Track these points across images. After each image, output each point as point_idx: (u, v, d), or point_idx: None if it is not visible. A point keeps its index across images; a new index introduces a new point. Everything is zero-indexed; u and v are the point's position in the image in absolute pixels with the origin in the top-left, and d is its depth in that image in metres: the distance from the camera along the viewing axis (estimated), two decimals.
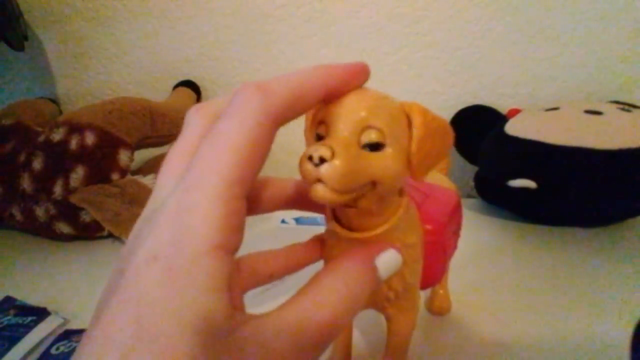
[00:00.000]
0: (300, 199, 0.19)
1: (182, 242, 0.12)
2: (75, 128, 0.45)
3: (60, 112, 0.67)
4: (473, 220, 0.50)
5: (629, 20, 0.54)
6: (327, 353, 0.25)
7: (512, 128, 0.48)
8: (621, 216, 0.45)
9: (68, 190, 0.43)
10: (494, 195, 0.50)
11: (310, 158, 0.14)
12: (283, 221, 0.49)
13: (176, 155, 0.15)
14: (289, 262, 0.19)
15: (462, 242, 0.44)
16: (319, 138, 0.16)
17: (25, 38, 0.59)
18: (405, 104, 0.16)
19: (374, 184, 0.15)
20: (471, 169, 0.53)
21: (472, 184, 0.51)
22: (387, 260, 0.17)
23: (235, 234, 0.13)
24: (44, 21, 0.64)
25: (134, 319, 0.11)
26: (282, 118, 0.14)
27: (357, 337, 0.30)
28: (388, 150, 0.15)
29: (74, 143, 0.44)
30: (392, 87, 0.61)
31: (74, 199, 0.43)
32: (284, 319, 0.14)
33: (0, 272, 0.42)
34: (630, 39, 0.55)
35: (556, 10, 0.55)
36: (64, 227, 0.45)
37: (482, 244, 0.44)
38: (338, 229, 0.18)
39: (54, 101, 0.67)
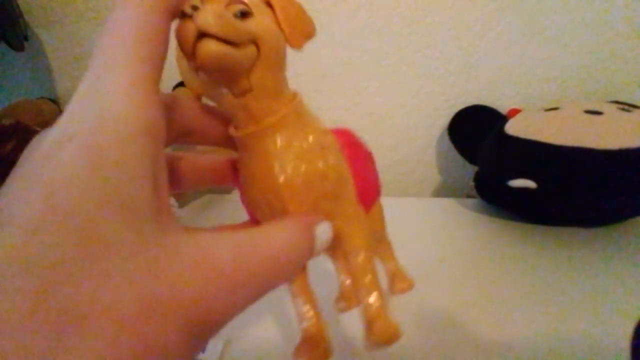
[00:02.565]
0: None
1: (102, 125, 0.11)
2: None
3: (60, 112, 0.67)
4: (473, 220, 0.50)
5: (629, 20, 0.54)
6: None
7: (512, 128, 0.48)
8: (621, 216, 0.45)
9: None
10: (494, 195, 0.50)
11: (183, 14, 0.14)
12: None
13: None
14: (200, 174, 0.19)
15: (462, 242, 0.44)
16: None
17: (26, 38, 0.59)
18: None
19: (257, 46, 0.16)
20: (471, 169, 0.53)
21: (472, 184, 0.51)
22: (323, 230, 0.16)
23: (161, 119, 0.12)
24: (44, 21, 0.64)
25: (45, 196, 0.10)
26: (175, 7, 0.14)
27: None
28: (258, 16, 0.16)
29: None
30: (392, 87, 0.61)
31: None
32: (230, 238, 0.13)
33: None
34: (630, 39, 0.55)
35: (556, 10, 0.55)
36: None
37: (482, 244, 0.44)
38: (245, 129, 0.17)
39: (54, 101, 0.67)
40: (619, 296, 0.34)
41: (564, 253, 0.41)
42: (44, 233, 0.09)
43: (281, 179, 0.17)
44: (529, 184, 0.43)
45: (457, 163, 0.62)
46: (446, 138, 0.59)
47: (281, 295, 0.18)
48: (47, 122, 0.50)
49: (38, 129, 0.49)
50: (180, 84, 0.64)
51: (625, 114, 0.44)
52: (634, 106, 0.47)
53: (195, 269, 0.11)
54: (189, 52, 0.15)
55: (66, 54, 0.66)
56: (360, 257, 0.19)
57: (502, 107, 0.56)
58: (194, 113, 0.18)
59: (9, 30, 0.54)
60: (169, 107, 0.16)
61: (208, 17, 0.14)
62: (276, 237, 0.14)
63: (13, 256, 0.09)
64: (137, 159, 0.11)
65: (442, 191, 0.65)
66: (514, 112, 0.52)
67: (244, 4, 0.16)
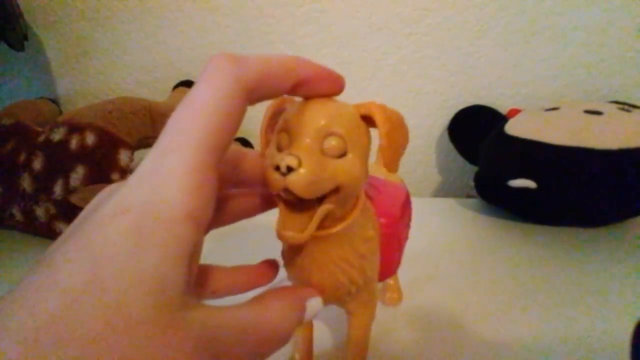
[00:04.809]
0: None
1: (156, 205, 0.12)
2: (75, 128, 0.45)
3: (60, 112, 0.67)
4: (473, 220, 0.50)
5: (629, 20, 0.54)
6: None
7: (512, 128, 0.48)
8: (621, 216, 0.45)
9: (68, 190, 0.43)
10: (494, 195, 0.50)
11: (277, 168, 0.15)
12: None
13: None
14: (236, 282, 0.19)
15: (462, 242, 0.44)
16: (280, 148, 0.16)
17: (25, 38, 0.59)
18: (360, 105, 0.17)
19: (337, 189, 0.16)
20: (471, 169, 0.53)
21: (472, 184, 0.51)
22: (314, 305, 0.18)
23: (207, 206, 0.13)
24: (44, 21, 0.64)
25: (89, 267, 0.11)
26: (254, 92, 0.14)
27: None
28: (349, 156, 0.16)
29: (74, 143, 0.44)
30: (392, 87, 0.61)
31: (74, 199, 0.43)
32: (234, 317, 0.14)
33: (0, 272, 0.42)
34: (630, 39, 0.55)
35: (556, 10, 0.55)
36: (64, 227, 0.45)
37: (482, 244, 0.44)
38: None
39: (54, 101, 0.67)
40: (619, 296, 0.34)
41: (564, 253, 0.41)
42: (81, 304, 0.11)
43: (315, 278, 0.18)
44: (529, 184, 0.43)
45: (457, 163, 0.62)
46: (446, 138, 0.59)
47: None
48: (47, 122, 0.50)
49: (38, 129, 0.49)
50: (181, 84, 0.64)
51: (625, 114, 0.44)
52: (634, 106, 0.47)
53: (202, 355, 0.12)
54: (274, 192, 0.16)
55: (66, 54, 0.66)
56: (360, 332, 0.22)
57: (502, 107, 0.56)
58: (255, 172, 0.19)
59: (9, 30, 0.54)
60: (235, 161, 0.18)
61: (299, 184, 0.14)
62: (274, 317, 0.15)
63: (51, 322, 0.10)
64: (176, 243, 0.12)
65: (442, 191, 0.65)
66: (514, 112, 0.52)
67: (340, 137, 0.16)
